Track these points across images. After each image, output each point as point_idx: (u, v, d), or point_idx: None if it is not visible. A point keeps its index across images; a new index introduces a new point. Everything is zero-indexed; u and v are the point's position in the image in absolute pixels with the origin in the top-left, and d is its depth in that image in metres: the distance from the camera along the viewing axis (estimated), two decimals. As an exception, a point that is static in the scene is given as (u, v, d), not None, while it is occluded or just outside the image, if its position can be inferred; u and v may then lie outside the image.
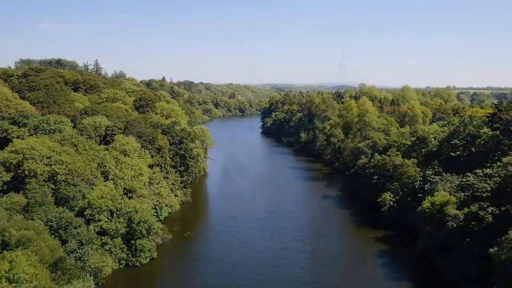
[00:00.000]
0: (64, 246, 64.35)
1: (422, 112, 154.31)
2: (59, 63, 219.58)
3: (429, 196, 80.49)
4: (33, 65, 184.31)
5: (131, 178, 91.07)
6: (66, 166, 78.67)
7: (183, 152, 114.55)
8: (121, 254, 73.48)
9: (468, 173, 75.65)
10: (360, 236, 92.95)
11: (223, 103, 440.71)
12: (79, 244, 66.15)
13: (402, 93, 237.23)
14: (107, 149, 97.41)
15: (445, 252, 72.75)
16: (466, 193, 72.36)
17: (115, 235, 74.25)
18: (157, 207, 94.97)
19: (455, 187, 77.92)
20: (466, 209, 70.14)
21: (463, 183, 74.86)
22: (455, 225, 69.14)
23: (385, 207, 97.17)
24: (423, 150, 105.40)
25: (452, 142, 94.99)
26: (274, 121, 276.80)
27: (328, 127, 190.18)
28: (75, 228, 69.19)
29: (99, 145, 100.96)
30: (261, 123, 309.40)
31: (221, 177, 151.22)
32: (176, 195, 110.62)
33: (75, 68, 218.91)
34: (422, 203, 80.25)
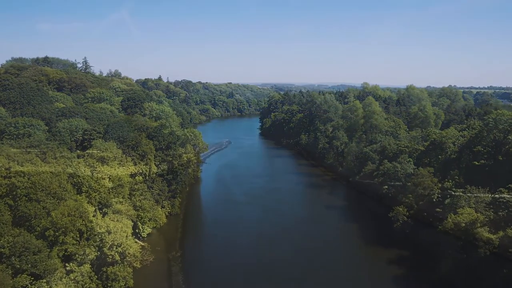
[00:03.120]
0: (13, 280, 52.73)
1: (434, 114, 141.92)
2: (46, 61, 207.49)
3: (451, 214, 69.00)
4: (15, 63, 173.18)
5: (109, 190, 79.49)
6: (28, 178, 67.03)
7: (170, 159, 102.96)
8: (89, 284, 61.98)
9: (501, 188, 64.13)
10: (370, 257, 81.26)
11: (221, 102, 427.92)
12: (32, 278, 54.40)
13: (407, 92, 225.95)
14: (83, 156, 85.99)
15: (474, 282, 61.38)
16: (501, 212, 60.73)
17: (83, 261, 62.87)
18: (138, 222, 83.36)
19: (484, 204, 66.28)
20: (501, 233, 58.74)
21: (496, 200, 63.22)
22: (488, 252, 57.70)
23: (398, 223, 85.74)
24: (439, 157, 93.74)
25: (474, 149, 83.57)
26: (273, 121, 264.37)
27: (331, 129, 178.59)
28: (33, 254, 57.73)
29: (74, 151, 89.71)
30: (260, 123, 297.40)
31: (215, 184, 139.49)
32: (162, 207, 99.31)
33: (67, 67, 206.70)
34: (444, 223, 68.81)
